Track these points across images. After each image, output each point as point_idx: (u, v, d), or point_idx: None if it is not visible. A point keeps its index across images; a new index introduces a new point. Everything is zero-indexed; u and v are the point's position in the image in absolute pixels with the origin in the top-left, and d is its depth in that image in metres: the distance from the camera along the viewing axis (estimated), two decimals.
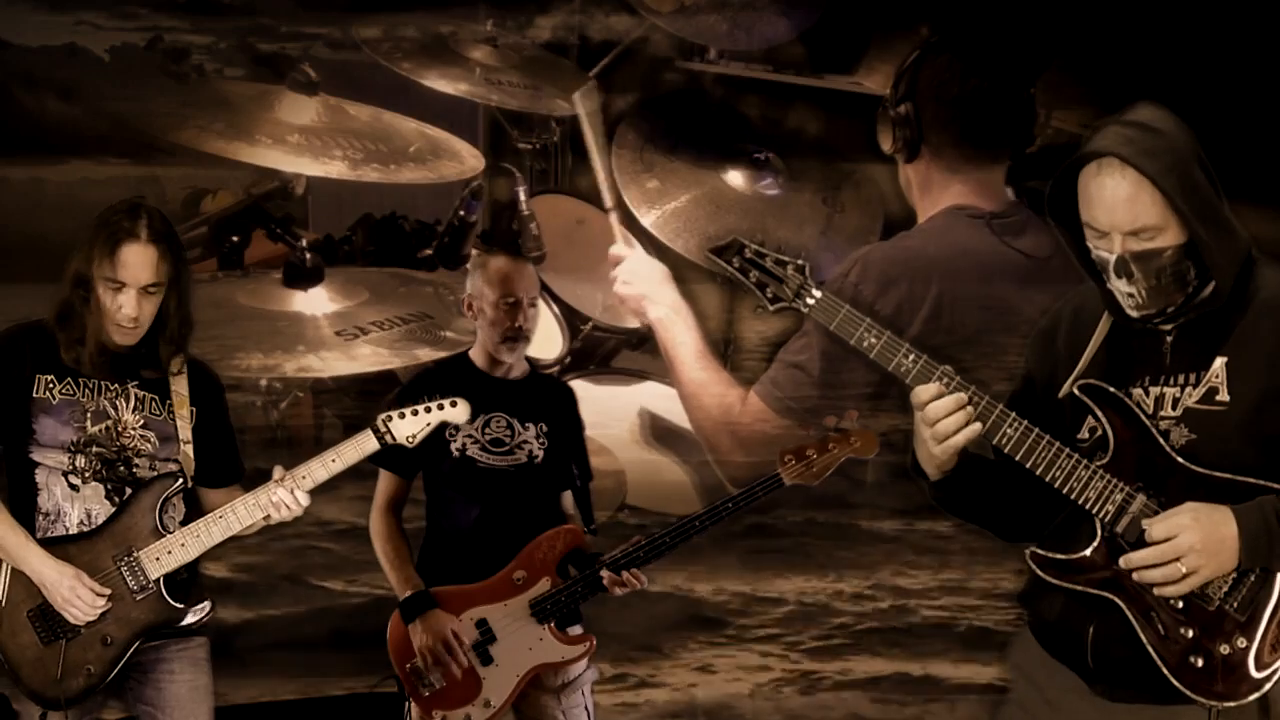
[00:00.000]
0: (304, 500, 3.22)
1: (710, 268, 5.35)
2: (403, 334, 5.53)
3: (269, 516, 3.23)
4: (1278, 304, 2.55)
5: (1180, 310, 2.56)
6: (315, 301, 5.61)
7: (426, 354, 5.41)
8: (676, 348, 5.61)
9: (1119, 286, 2.55)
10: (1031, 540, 2.67)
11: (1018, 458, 2.57)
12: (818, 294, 2.64)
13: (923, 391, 2.56)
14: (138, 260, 3.19)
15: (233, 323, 5.48)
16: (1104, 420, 2.57)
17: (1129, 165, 2.49)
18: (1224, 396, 2.53)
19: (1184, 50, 5.24)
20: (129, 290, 3.19)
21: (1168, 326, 2.59)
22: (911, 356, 2.59)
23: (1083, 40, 5.49)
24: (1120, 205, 2.50)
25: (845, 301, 2.64)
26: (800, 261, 2.66)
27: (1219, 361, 2.54)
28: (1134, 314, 2.57)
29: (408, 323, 5.60)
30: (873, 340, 2.60)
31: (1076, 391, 2.60)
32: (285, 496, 3.21)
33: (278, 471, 3.24)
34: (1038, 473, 2.56)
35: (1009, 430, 2.57)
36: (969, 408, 2.55)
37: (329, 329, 5.55)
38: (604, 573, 3.73)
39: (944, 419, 2.55)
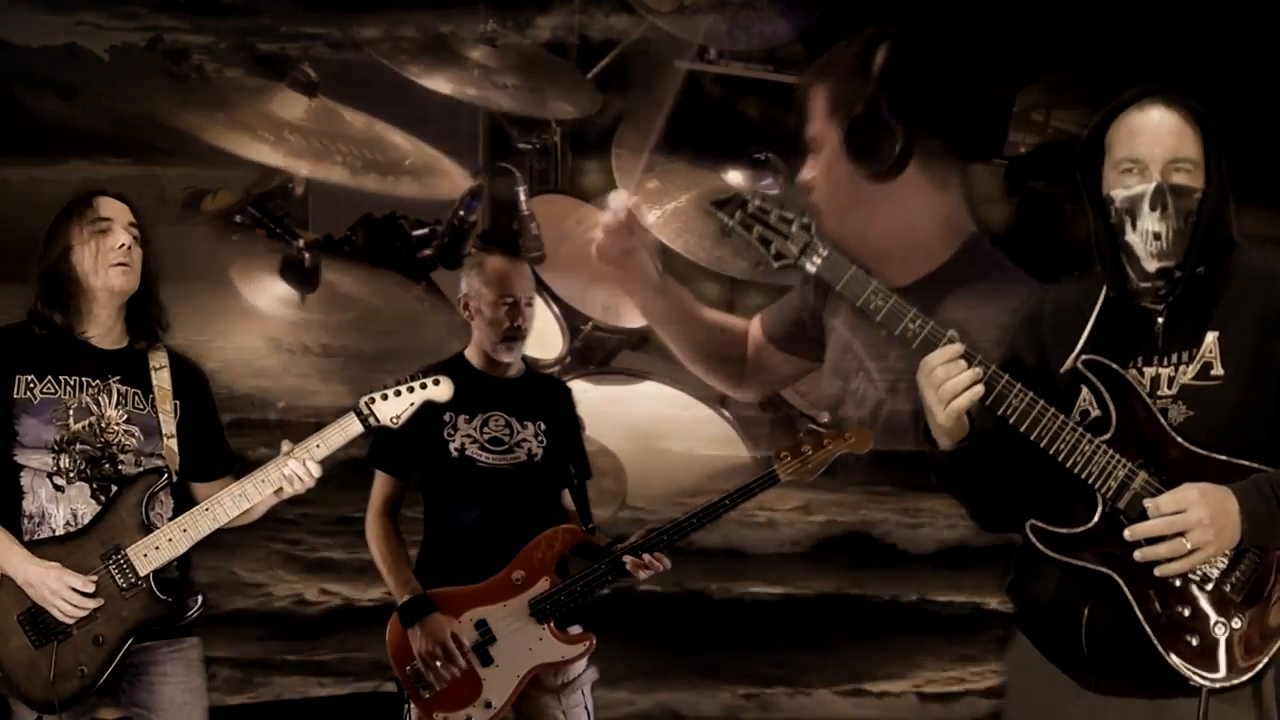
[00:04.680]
0: (315, 471, 3.21)
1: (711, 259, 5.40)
2: None
3: (280, 490, 3.23)
4: (1262, 275, 2.57)
5: (1173, 287, 2.56)
6: None
7: None
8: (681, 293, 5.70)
9: (1148, 226, 2.54)
10: (1011, 529, 2.67)
11: (1022, 429, 2.54)
12: (825, 252, 2.58)
13: (934, 357, 2.53)
14: (114, 205, 3.32)
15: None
16: (1106, 396, 2.56)
17: (1176, 100, 2.57)
18: (1218, 370, 2.54)
19: (1183, 51, 5.24)
20: (115, 225, 3.27)
21: (1159, 306, 2.59)
22: (919, 321, 2.55)
23: (1082, 41, 5.49)
24: (1166, 133, 2.55)
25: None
26: (805, 220, 2.60)
27: (1210, 336, 2.55)
28: (1152, 265, 2.55)
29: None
30: (879, 303, 2.56)
31: (1080, 366, 2.58)
32: (298, 468, 3.19)
33: (286, 445, 3.23)
34: (1041, 445, 2.54)
35: (1014, 401, 2.54)
36: (976, 368, 2.52)
37: None
38: (626, 557, 3.71)
39: (949, 380, 2.51)
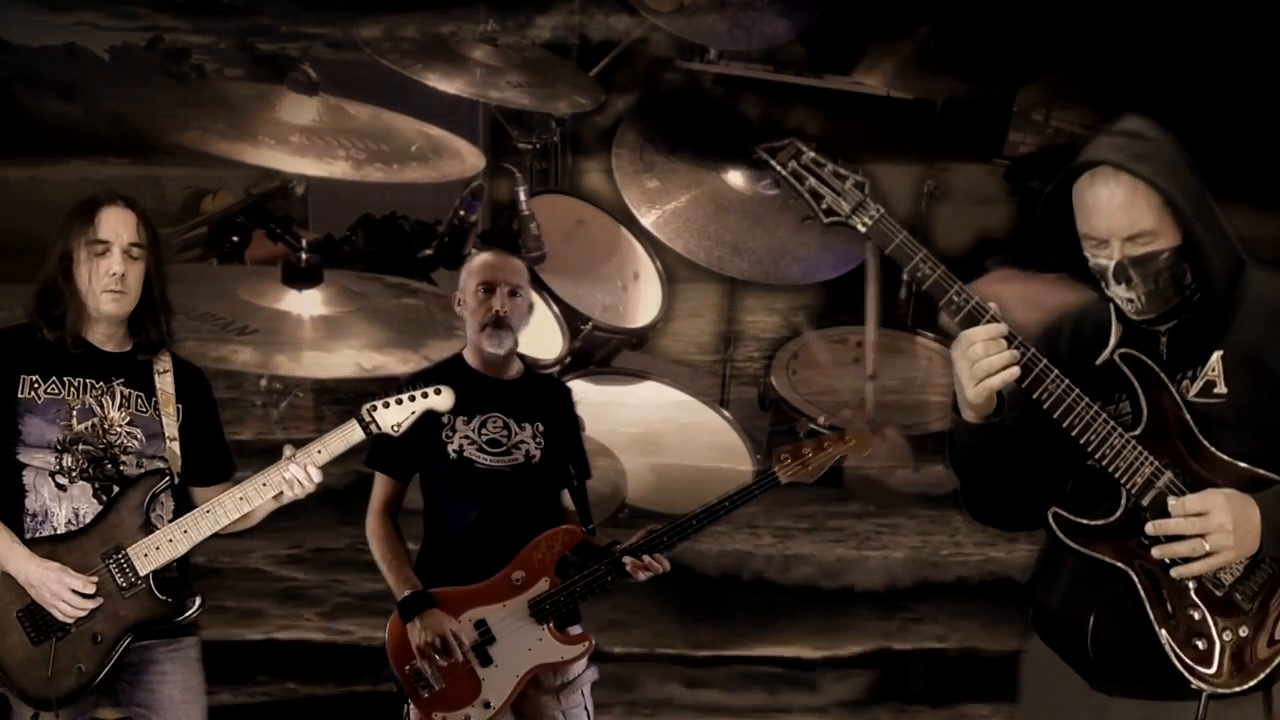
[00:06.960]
0: (316, 477, 3.24)
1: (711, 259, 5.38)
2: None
3: (280, 495, 3.24)
4: (1268, 302, 2.56)
5: (1176, 312, 2.57)
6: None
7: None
8: None
9: (1119, 293, 2.55)
10: (999, 525, 2.67)
11: (1055, 415, 2.52)
12: (875, 213, 2.53)
13: (975, 333, 2.50)
14: (117, 220, 3.27)
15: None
16: (1139, 391, 2.55)
17: (1122, 171, 2.50)
18: (1221, 389, 2.54)
19: (1183, 52, 5.23)
20: (113, 249, 3.24)
21: (1161, 328, 2.59)
22: (964, 294, 2.52)
23: (1082, 41, 5.49)
24: (1117, 211, 2.50)
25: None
26: (860, 178, 2.54)
27: (1215, 355, 2.55)
28: (1134, 318, 2.58)
29: None
30: (927, 271, 2.52)
31: (1116, 359, 2.57)
32: (298, 473, 3.22)
33: (288, 450, 3.25)
34: (1073, 434, 2.52)
35: (1051, 386, 2.52)
36: (1015, 349, 2.50)
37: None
38: (626, 558, 3.72)
39: (986, 358, 2.49)
